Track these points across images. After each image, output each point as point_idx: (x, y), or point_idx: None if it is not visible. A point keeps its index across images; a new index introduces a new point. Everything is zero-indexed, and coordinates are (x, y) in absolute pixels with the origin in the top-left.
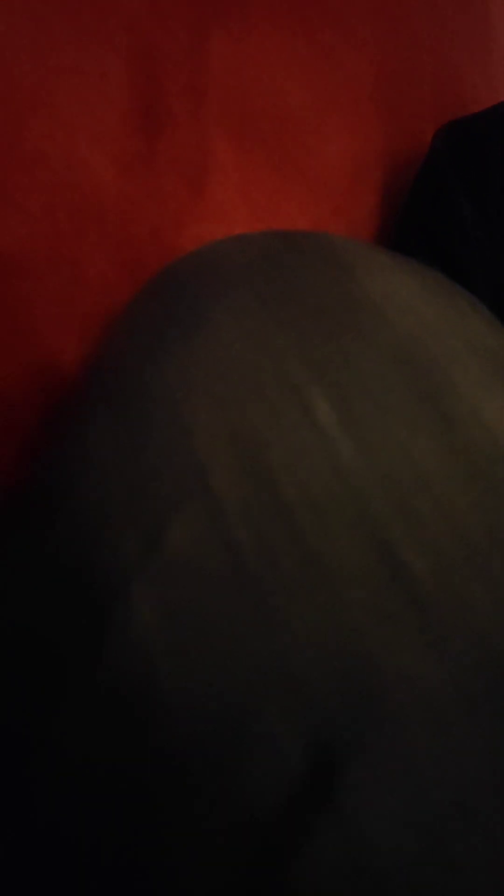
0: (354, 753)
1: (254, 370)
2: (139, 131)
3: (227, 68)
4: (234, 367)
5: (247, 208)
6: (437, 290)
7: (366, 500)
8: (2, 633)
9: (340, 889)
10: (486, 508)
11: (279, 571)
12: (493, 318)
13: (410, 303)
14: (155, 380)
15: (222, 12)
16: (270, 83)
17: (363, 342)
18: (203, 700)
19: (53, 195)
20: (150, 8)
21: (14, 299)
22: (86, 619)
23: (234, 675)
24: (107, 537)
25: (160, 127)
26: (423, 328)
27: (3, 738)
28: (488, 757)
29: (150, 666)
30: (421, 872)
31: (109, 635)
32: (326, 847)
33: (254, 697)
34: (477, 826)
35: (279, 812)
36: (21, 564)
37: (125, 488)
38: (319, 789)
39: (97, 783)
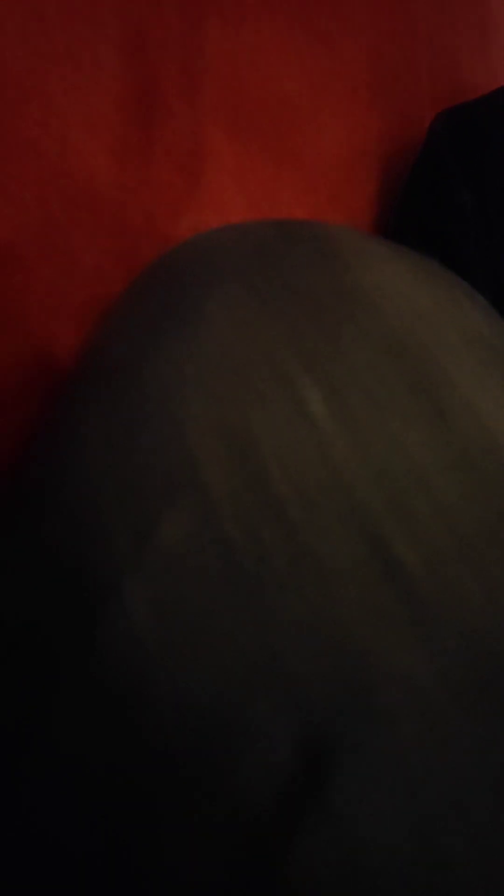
0: (346, 750)
1: (246, 362)
2: (133, 119)
3: (222, 54)
4: (226, 360)
5: (243, 197)
6: (433, 279)
7: (358, 493)
8: None
9: (333, 884)
10: (479, 501)
11: (271, 566)
12: (489, 308)
13: (405, 293)
14: (147, 373)
15: None
16: (266, 69)
17: (356, 333)
18: (195, 696)
19: (47, 184)
20: None
21: (7, 289)
22: (78, 615)
23: (225, 670)
24: (99, 532)
25: (154, 114)
26: (417, 319)
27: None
28: (480, 753)
29: (142, 661)
30: (413, 869)
31: (102, 631)
32: (318, 843)
33: (245, 693)
34: (468, 823)
35: (271, 808)
36: (12, 559)
37: (117, 482)
38: (311, 785)
39: (90, 779)
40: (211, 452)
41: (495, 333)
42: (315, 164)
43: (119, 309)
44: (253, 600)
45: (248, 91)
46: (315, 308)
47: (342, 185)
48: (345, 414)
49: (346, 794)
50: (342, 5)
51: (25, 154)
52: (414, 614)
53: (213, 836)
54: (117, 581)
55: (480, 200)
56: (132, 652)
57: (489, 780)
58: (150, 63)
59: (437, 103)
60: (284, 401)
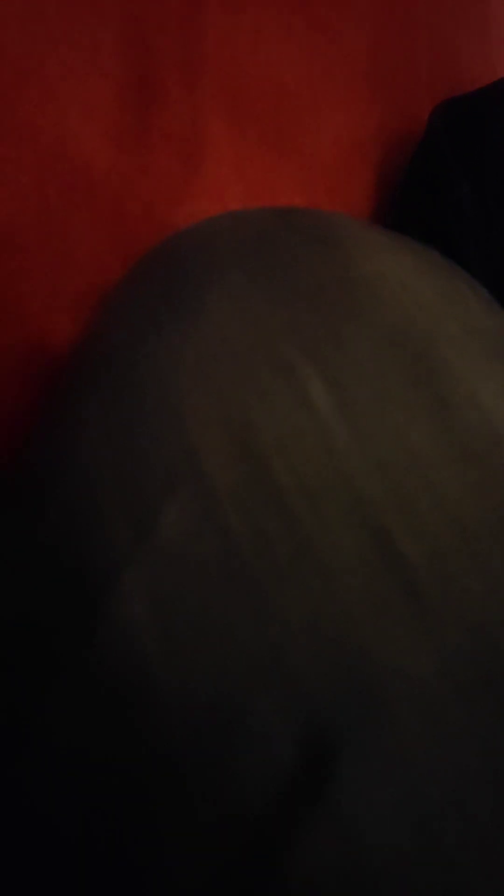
0: (348, 746)
1: (246, 352)
2: (132, 104)
3: (221, 41)
4: (226, 349)
5: (241, 185)
6: (434, 270)
7: (360, 485)
8: None
9: (333, 884)
10: (482, 494)
11: (272, 559)
12: (490, 299)
13: (407, 283)
14: (146, 362)
15: None
16: (266, 57)
17: (358, 323)
18: (194, 691)
19: (44, 170)
20: None
21: (4, 275)
22: (76, 608)
23: (225, 665)
24: (98, 524)
25: (154, 100)
26: (419, 309)
27: None
28: (483, 751)
29: (141, 656)
30: (415, 868)
31: (100, 625)
32: (319, 842)
33: (246, 688)
34: (471, 821)
35: (271, 806)
36: (8, 551)
37: (116, 473)
38: (312, 783)
39: (88, 776)
40: (211, 443)
41: (497, 325)
42: (314, 154)
43: (117, 296)
44: (254, 594)
45: (247, 79)
46: (316, 297)
47: (340, 176)
48: (347, 405)
49: (348, 792)
50: None
51: (23, 138)
52: (417, 608)
53: (212, 834)
54: (117, 574)
55: (479, 192)
56: (131, 646)
57: (492, 777)
58: (150, 48)
59: (435, 95)
60: (286, 391)
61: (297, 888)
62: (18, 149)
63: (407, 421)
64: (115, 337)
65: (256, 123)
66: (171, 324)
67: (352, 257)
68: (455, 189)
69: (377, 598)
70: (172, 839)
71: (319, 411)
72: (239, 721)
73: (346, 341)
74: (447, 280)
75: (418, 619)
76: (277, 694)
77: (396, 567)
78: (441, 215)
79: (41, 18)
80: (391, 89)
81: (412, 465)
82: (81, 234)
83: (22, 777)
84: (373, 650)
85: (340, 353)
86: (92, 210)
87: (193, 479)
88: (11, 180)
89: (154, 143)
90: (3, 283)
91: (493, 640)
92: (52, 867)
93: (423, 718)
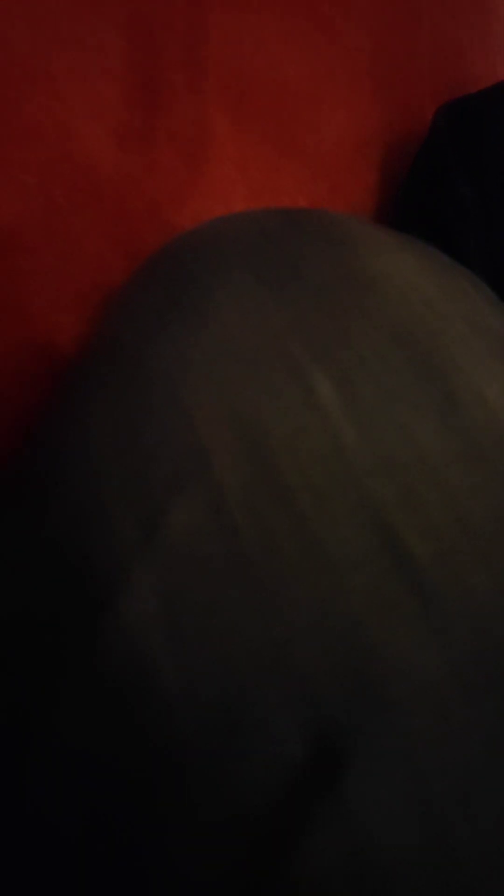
0: (355, 743)
1: (254, 350)
2: (137, 104)
3: (225, 40)
4: (233, 348)
5: (245, 185)
6: (439, 268)
7: (368, 483)
8: None
9: (341, 881)
10: (489, 492)
11: (280, 557)
12: (494, 298)
13: (412, 282)
14: (153, 360)
15: None
16: (269, 56)
17: (365, 322)
18: (202, 689)
19: (50, 169)
20: None
21: (9, 275)
22: (84, 605)
23: (233, 663)
24: (104, 521)
25: (158, 101)
26: (425, 307)
27: (3, 728)
28: (489, 749)
29: (149, 653)
30: (422, 864)
31: (108, 622)
32: (327, 840)
33: (253, 685)
34: (477, 818)
35: (279, 803)
36: (14, 549)
37: (123, 471)
38: (319, 780)
39: (93, 774)
40: (219, 441)
41: (501, 324)
42: (317, 154)
43: (124, 295)
44: (262, 591)
45: (251, 78)
46: (323, 296)
47: (343, 175)
48: (354, 403)
49: (355, 789)
50: None
51: (29, 137)
52: (424, 606)
53: (219, 833)
54: (126, 571)
55: (481, 193)
56: (139, 643)
57: (498, 775)
58: (155, 49)
59: (437, 94)
60: (293, 389)
61: (305, 886)
62: (25, 148)
63: (414, 420)
64: (121, 335)
65: (260, 123)
66: (177, 322)
67: (358, 257)
68: (457, 189)
69: (384, 596)
70: (179, 839)
71: (327, 410)
72: (246, 719)
73: (354, 340)
74: (452, 279)
75: (425, 618)
76: (285, 692)
77: (403, 566)
78: (443, 215)
79: (48, 19)
80: (393, 89)
81: (419, 463)
82: (86, 234)
83: (27, 775)
84: (380, 648)
85: (348, 352)
86: (97, 209)
87: (201, 478)
88: (17, 180)
89: (159, 142)
90: (9, 282)
91: (498, 640)
92: (56, 867)
93: (430, 716)
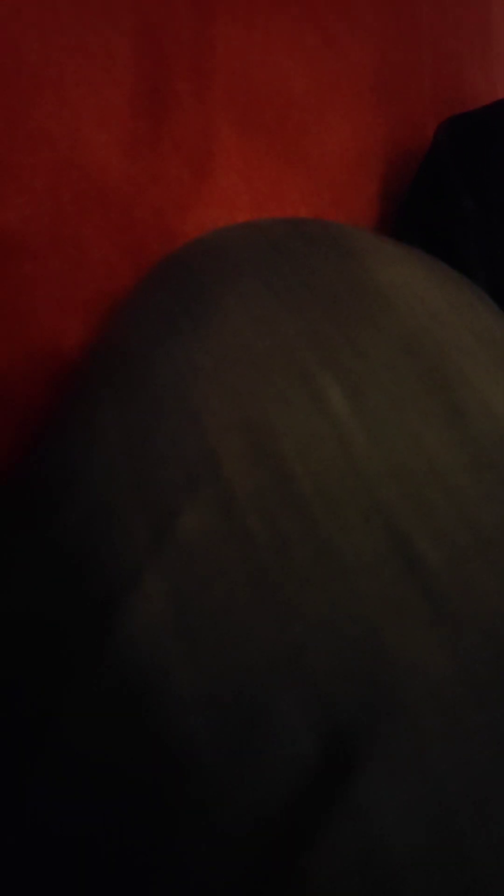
0: (367, 745)
1: (264, 358)
2: (144, 113)
3: (232, 51)
4: (244, 355)
5: (249, 195)
6: (445, 280)
7: (379, 490)
8: (4, 624)
9: (353, 882)
10: (497, 500)
11: (292, 561)
12: (498, 310)
13: (419, 293)
14: (163, 366)
15: None
16: (275, 68)
17: (374, 332)
18: (215, 691)
19: (58, 175)
20: None
21: (16, 280)
22: (93, 608)
23: (246, 665)
24: (115, 524)
25: (165, 109)
26: (432, 318)
27: (10, 731)
28: (500, 751)
29: (159, 656)
30: (433, 866)
31: (117, 624)
32: (339, 840)
33: (266, 688)
34: (489, 820)
35: (291, 804)
36: (22, 552)
37: (133, 475)
38: (332, 781)
39: (105, 776)
40: (231, 447)
41: None
42: (320, 166)
43: (132, 301)
44: (274, 595)
45: (256, 89)
46: (332, 305)
47: (346, 187)
48: (365, 411)
49: (368, 789)
50: (350, 7)
51: (37, 144)
52: (435, 611)
53: (231, 833)
54: (136, 573)
55: (483, 207)
56: (152, 645)
57: None
58: (163, 58)
59: (439, 109)
60: (304, 397)
61: (317, 887)
62: (33, 154)
63: (423, 428)
64: (130, 340)
65: (265, 134)
66: (187, 328)
67: (365, 267)
68: (459, 204)
69: (396, 600)
70: (190, 841)
71: (338, 417)
72: (259, 721)
73: (363, 349)
74: (457, 290)
75: (436, 622)
76: (298, 694)
77: (415, 570)
78: (445, 228)
79: (58, 27)
80: (396, 103)
81: (429, 470)
82: (93, 241)
83: (35, 779)
84: (392, 651)
85: (357, 361)
86: (104, 217)
87: (213, 482)
88: (26, 185)
89: (165, 151)
90: (16, 287)
91: None
92: (64, 871)
93: (442, 718)
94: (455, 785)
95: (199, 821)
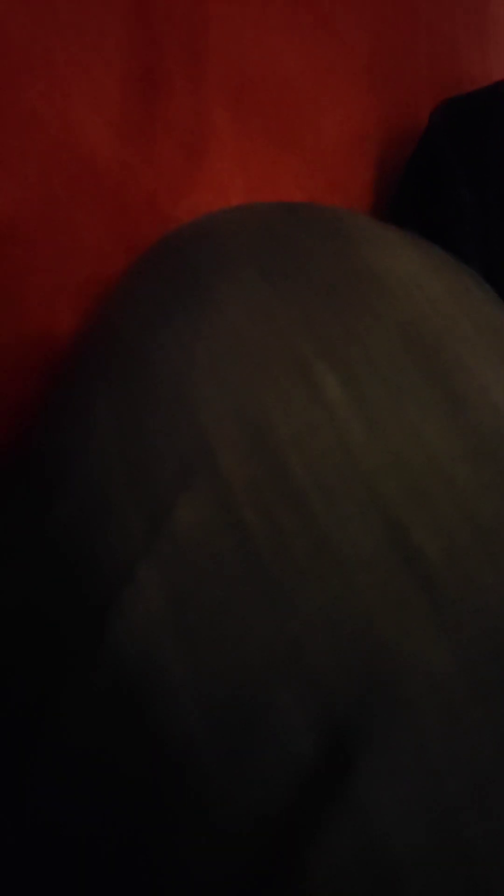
0: (367, 742)
1: (260, 346)
2: (137, 94)
3: (226, 33)
4: (239, 344)
5: (243, 179)
6: (442, 266)
7: (376, 481)
8: None
9: (353, 880)
10: (497, 490)
11: (289, 555)
12: (495, 296)
13: (416, 279)
14: (157, 355)
15: None
16: (269, 49)
17: (371, 319)
18: (212, 686)
19: (49, 159)
20: None
21: (7, 267)
22: (89, 602)
23: (243, 661)
24: (109, 516)
25: (158, 91)
26: (429, 305)
27: (7, 730)
28: (501, 746)
29: (156, 651)
30: (434, 864)
31: (116, 621)
32: (339, 837)
33: (264, 684)
34: (490, 816)
35: (291, 802)
36: (15, 546)
37: (127, 467)
38: (332, 779)
39: (101, 775)
40: (226, 437)
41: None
42: (315, 149)
43: (124, 288)
44: (272, 588)
45: (250, 72)
46: (328, 292)
47: (341, 171)
48: (361, 400)
49: (368, 787)
50: None
51: (28, 126)
52: (434, 604)
53: (231, 830)
54: (131, 567)
55: (478, 191)
56: (147, 640)
57: None
58: (155, 39)
59: (435, 91)
60: (300, 386)
61: (317, 885)
62: (24, 137)
63: (421, 418)
64: (123, 329)
65: (259, 116)
66: (180, 315)
67: (362, 253)
68: (455, 187)
69: (395, 593)
70: (191, 839)
71: (334, 408)
72: (258, 719)
73: (360, 338)
74: (455, 277)
75: (436, 615)
76: (296, 689)
77: (413, 562)
78: (440, 213)
79: (49, 6)
80: (390, 86)
81: (427, 461)
82: (85, 225)
83: (34, 775)
84: (391, 646)
85: (354, 350)
86: (96, 201)
87: (208, 474)
88: (17, 169)
89: (158, 134)
90: (7, 273)
91: None
92: (67, 869)
93: (442, 715)
94: (455, 782)
95: (199, 819)
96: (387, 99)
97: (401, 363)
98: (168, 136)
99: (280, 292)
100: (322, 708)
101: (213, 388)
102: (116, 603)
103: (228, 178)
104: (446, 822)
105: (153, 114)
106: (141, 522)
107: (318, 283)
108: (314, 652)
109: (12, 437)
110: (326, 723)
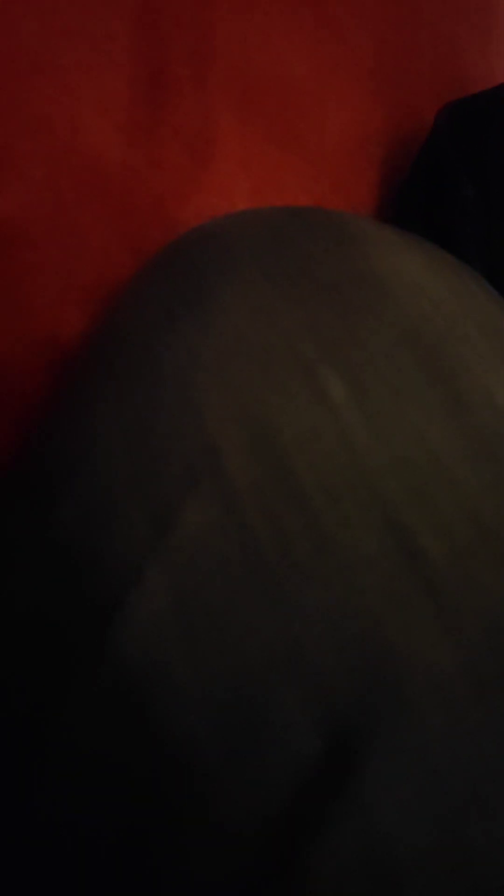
0: (370, 741)
1: (264, 349)
2: (144, 99)
3: (231, 37)
4: (244, 346)
5: (249, 182)
6: (446, 268)
7: (380, 482)
8: (4, 623)
9: (355, 880)
10: (499, 491)
11: (293, 555)
12: (498, 297)
13: (420, 281)
14: (163, 358)
15: None
16: (274, 52)
17: (375, 321)
18: (216, 688)
19: (57, 162)
20: None
21: (14, 269)
22: (94, 605)
23: (248, 661)
24: (115, 519)
25: (165, 94)
26: (432, 307)
27: (12, 731)
28: (502, 746)
29: (161, 652)
30: (437, 863)
31: (121, 622)
32: (342, 836)
33: (268, 685)
34: (492, 816)
35: (294, 800)
36: (21, 549)
37: (133, 469)
38: (334, 779)
39: (107, 774)
40: (231, 440)
41: None
42: (320, 151)
43: (131, 292)
44: (276, 590)
45: (256, 74)
46: (332, 295)
47: (345, 173)
48: (365, 402)
49: (370, 786)
50: None
51: (37, 130)
52: (437, 605)
53: (235, 830)
54: (137, 568)
55: (482, 194)
56: (152, 641)
57: None
58: (162, 43)
59: (439, 93)
60: (305, 388)
61: (320, 883)
62: (33, 140)
63: (424, 419)
64: (129, 331)
65: (264, 119)
66: (186, 318)
67: (366, 256)
68: (459, 189)
69: (398, 594)
70: (195, 839)
71: (338, 409)
72: (261, 717)
73: (364, 340)
74: (459, 279)
75: (438, 616)
76: (300, 689)
77: (416, 563)
78: (443, 215)
79: (57, 11)
80: (395, 88)
81: (430, 462)
82: (92, 228)
83: (39, 777)
84: (394, 646)
85: (358, 352)
86: (103, 204)
87: (214, 476)
88: (25, 172)
89: (164, 137)
90: (15, 276)
91: None
92: (72, 868)
93: (444, 715)
94: (458, 782)
95: (202, 819)
96: (391, 101)
97: (404, 365)
98: (174, 139)
99: (284, 295)
100: (324, 708)
101: (218, 390)
102: (122, 605)
103: (234, 180)
104: (448, 821)
105: (160, 117)
106: (146, 524)
107: (322, 286)
108: (317, 652)
109: (19, 438)
110: (329, 723)
